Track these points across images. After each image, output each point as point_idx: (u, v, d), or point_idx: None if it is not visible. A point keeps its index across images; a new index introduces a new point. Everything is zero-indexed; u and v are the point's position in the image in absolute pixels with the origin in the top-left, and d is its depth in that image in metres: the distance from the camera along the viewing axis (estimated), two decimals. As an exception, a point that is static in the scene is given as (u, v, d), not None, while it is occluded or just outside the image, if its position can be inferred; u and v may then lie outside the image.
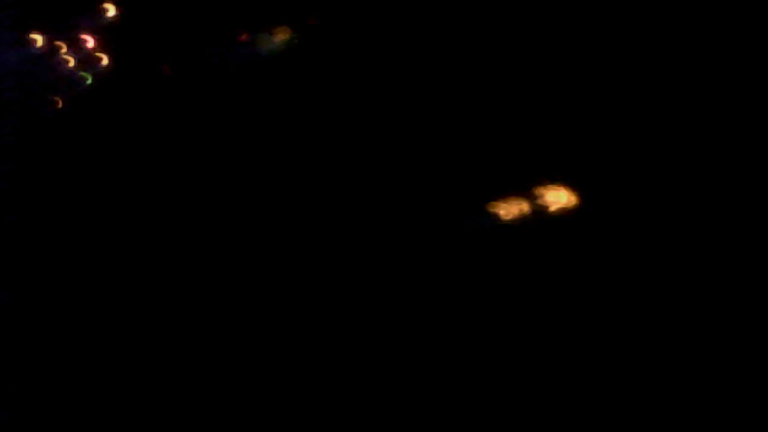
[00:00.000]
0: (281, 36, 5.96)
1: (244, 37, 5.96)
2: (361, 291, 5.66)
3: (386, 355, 5.59)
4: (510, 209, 5.62)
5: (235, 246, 5.78)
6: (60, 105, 5.81)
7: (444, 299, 5.63)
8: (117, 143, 5.86)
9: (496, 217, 5.64)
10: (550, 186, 5.60)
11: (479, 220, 5.65)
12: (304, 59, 5.93)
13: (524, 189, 5.63)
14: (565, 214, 5.58)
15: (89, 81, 5.86)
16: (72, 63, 5.86)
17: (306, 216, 5.80)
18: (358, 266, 5.70)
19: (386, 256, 5.71)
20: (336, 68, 5.92)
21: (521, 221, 5.61)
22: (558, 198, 5.58)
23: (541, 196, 5.60)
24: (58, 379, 5.58)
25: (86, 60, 5.89)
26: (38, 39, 5.79)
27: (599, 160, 5.62)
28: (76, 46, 5.87)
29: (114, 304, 5.70)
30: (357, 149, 5.85)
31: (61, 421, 5.51)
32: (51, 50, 5.84)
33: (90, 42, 5.89)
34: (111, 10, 5.91)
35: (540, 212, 5.60)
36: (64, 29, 5.86)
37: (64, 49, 5.86)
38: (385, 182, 5.82)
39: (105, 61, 5.89)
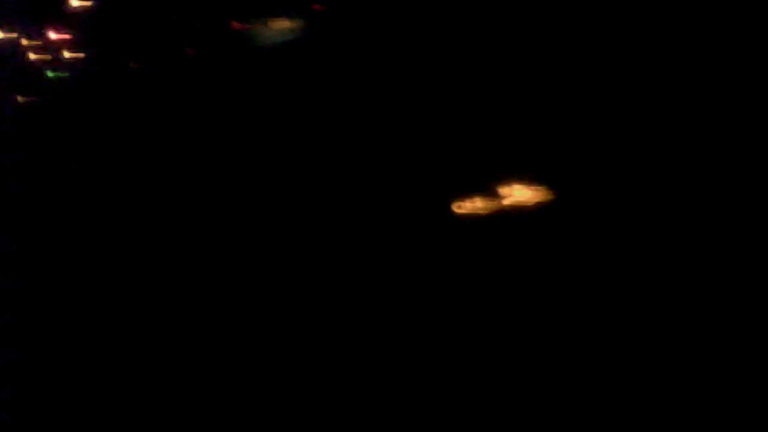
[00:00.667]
0: (280, 26, 5.77)
1: (236, 26, 5.78)
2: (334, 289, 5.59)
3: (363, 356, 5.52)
4: (476, 207, 5.47)
5: (222, 246, 5.72)
6: (25, 104, 5.76)
7: (415, 298, 5.52)
8: (85, 145, 5.80)
9: (462, 216, 5.48)
10: (516, 184, 5.43)
11: (446, 217, 5.50)
12: (305, 53, 5.76)
13: (490, 187, 5.46)
14: (531, 212, 5.41)
15: (56, 78, 5.80)
16: (38, 60, 5.80)
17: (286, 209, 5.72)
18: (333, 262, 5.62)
19: (358, 250, 5.62)
20: (337, 62, 5.76)
21: (488, 219, 5.45)
22: (524, 196, 5.40)
23: (508, 194, 5.43)
24: (58, 379, 5.59)
25: (53, 57, 5.82)
26: (1, 34, 5.73)
27: (565, 158, 5.42)
28: (42, 42, 5.81)
29: (100, 304, 5.68)
30: (333, 146, 5.73)
31: (61, 421, 5.54)
32: (15, 46, 5.78)
33: (57, 38, 5.82)
34: (79, 3, 5.82)
35: (506, 210, 5.43)
36: (29, 24, 5.79)
37: (30, 45, 5.80)
38: (362, 176, 5.71)
39: (73, 57, 5.82)
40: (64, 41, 5.79)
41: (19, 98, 5.75)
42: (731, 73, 5.29)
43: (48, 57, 5.78)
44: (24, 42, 5.77)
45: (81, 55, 5.80)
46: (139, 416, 5.50)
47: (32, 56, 5.76)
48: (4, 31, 5.72)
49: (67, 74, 5.79)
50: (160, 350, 5.58)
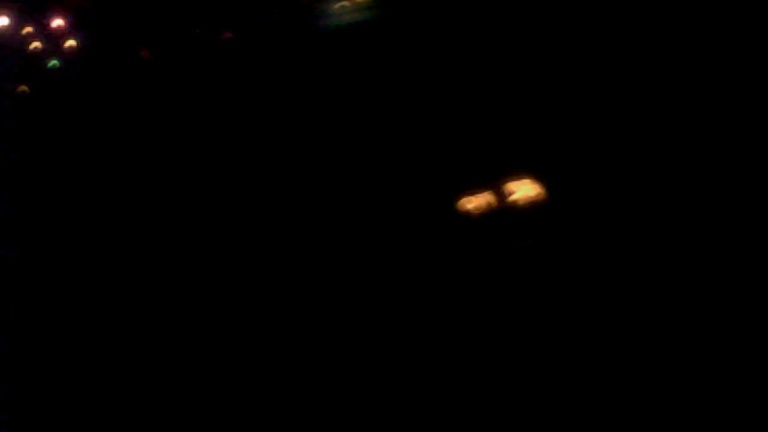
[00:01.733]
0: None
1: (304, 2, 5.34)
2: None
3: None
4: (478, 204, 4.96)
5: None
6: (26, 92, 5.59)
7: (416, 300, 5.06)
8: (87, 134, 5.57)
9: (464, 213, 4.99)
10: (518, 179, 4.90)
11: (447, 215, 5.02)
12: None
13: (492, 183, 4.95)
14: (534, 207, 4.85)
15: (57, 66, 5.62)
16: (40, 46, 5.64)
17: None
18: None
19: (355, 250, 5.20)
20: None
21: (490, 216, 4.94)
22: (526, 191, 4.86)
23: (510, 189, 4.90)
24: (58, 379, 5.44)
25: (55, 44, 5.65)
26: (4, 21, 5.58)
27: (569, 152, 4.85)
28: (44, 29, 5.64)
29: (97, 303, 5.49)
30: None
31: (61, 421, 5.39)
32: (17, 33, 5.63)
33: (60, 24, 5.64)
34: (83, -10, 5.62)
35: (509, 206, 4.90)
36: (32, 11, 5.62)
37: (32, 32, 5.63)
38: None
39: (75, 44, 5.62)
40: (65, 29, 5.59)
41: (18, 88, 5.56)
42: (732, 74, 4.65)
43: (48, 46, 5.60)
44: (24, 30, 5.61)
45: (84, 43, 5.59)
46: (139, 416, 5.27)
47: (32, 45, 5.58)
48: (2, 18, 5.56)
49: (68, 64, 5.59)
50: (159, 350, 5.33)
